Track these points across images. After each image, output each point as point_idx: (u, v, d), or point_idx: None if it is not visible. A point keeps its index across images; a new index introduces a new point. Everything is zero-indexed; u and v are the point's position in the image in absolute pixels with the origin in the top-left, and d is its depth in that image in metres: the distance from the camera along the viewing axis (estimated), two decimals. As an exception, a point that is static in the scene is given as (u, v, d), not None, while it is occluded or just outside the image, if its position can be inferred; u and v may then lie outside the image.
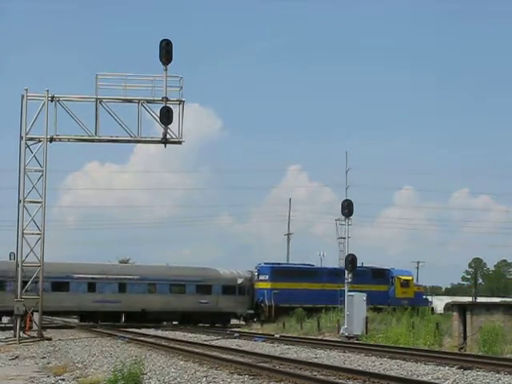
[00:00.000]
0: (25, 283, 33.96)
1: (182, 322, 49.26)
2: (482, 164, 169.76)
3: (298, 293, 50.70)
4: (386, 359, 21.99)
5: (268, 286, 50.77)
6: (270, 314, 49.72)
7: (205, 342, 29.97)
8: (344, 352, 25.13)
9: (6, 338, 32.63)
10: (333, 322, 41.78)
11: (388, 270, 55.94)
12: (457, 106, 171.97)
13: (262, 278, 51.62)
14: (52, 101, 34.17)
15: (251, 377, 16.88)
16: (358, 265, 56.35)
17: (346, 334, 34.68)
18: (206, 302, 50.15)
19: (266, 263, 53.13)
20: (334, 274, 52.24)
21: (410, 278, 57.07)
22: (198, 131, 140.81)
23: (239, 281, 51.82)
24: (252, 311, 51.69)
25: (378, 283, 53.98)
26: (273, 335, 35.82)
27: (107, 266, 52.43)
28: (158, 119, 33.74)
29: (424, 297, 57.89)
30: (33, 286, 34.79)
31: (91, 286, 47.26)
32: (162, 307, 48.43)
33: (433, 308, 57.02)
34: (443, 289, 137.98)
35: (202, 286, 50.64)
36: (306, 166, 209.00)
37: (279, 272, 51.95)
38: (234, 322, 53.26)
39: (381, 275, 55.16)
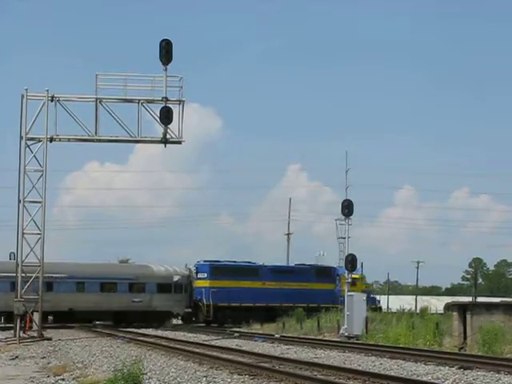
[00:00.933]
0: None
1: (116, 321, 47.82)
2: (482, 164, 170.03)
3: (237, 291, 49.38)
4: (385, 359, 21.98)
5: (207, 284, 49.17)
6: (208, 312, 48.49)
7: (205, 342, 29.96)
8: (344, 352, 25.12)
9: (6, 338, 32.65)
10: (333, 321, 41.75)
11: (334, 268, 53.84)
12: (457, 106, 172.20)
13: (200, 275, 50.03)
14: (52, 101, 34.18)
15: (251, 377, 16.89)
16: (302, 263, 55.26)
17: (346, 333, 34.66)
18: (139, 301, 48.07)
19: (205, 261, 51.24)
20: (277, 272, 51.96)
21: (358, 276, 54.11)
22: (198, 131, 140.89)
23: (175, 278, 49.64)
24: (190, 310, 50.12)
25: (324, 282, 52.88)
26: (273, 335, 35.83)
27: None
28: (158, 119, 33.75)
29: (372, 296, 56.05)
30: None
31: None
32: (91, 307, 46.34)
33: (380, 307, 56.17)
34: (443, 289, 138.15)
35: (134, 284, 48.73)
36: (306, 165, 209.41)
37: (218, 270, 50.24)
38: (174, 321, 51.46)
39: (326, 274, 53.70)
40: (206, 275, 49.58)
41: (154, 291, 48.97)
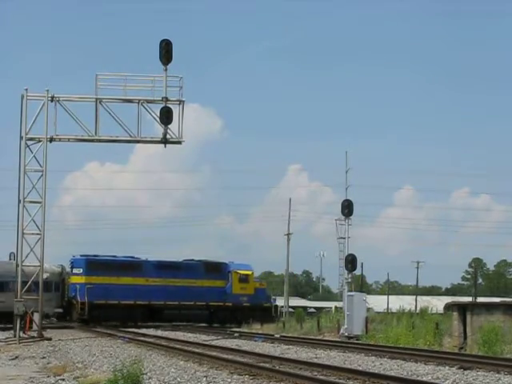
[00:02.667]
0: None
1: None
2: (482, 164, 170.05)
3: (116, 288, 46.44)
4: (386, 359, 21.98)
5: (82, 280, 45.72)
6: (82, 311, 45.30)
7: (205, 342, 29.96)
8: (344, 352, 25.12)
9: (6, 338, 32.64)
10: (333, 321, 41.75)
11: (225, 263, 51.87)
12: (457, 106, 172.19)
13: (75, 271, 46.50)
14: (52, 101, 34.18)
15: (251, 377, 16.88)
16: (190, 258, 52.31)
17: (346, 333, 34.68)
18: (1, 301, 42.98)
19: (81, 255, 47.74)
20: (162, 268, 49.00)
21: (250, 272, 52.11)
22: (198, 131, 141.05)
23: (44, 276, 45.75)
24: (61, 310, 46.63)
25: (213, 278, 50.20)
26: (273, 335, 35.83)
27: None
28: (158, 119, 33.76)
29: (268, 294, 54.38)
30: None
31: None
32: None
33: (276, 306, 54.09)
34: (443, 289, 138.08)
35: None
36: (306, 165, 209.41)
37: (95, 265, 46.83)
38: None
39: (216, 270, 51.01)
40: (81, 271, 46.22)
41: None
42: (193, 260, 51.69)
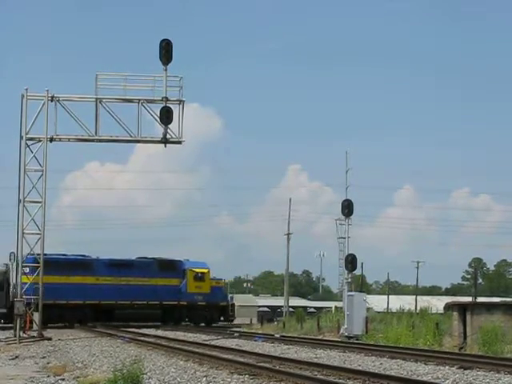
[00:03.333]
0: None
1: None
2: (482, 164, 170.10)
3: (65, 287, 44.74)
4: (385, 359, 21.97)
5: (30, 279, 43.14)
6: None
7: (205, 342, 29.96)
8: (344, 352, 25.10)
9: (6, 338, 32.64)
10: (333, 321, 41.76)
11: (180, 261, 50.77)
12: (457, 106, 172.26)
13: (24, 270, 43.22)
14: (52, 101, 34.19)
15: (251, 377, 16.87)
16: (143, 256, 50.81)
17: (346, 333, 34.67)
18: None
19: (30, 254, 45.46)
20: (114, 266, 47.60)
21: (206, 270, 50.90)
22: (198, 131, 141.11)
23: None
24: (4, 311, 43.80)
25: (168, 276, 49.11)
26: (273, 335, 35.82)
27: None
28: (158, 119, 33.77)
29: (224, 293, 53.08)
30: None
31: None
32: None
33: (233, 304, 52.77)
34: (443, 289, 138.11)
35: None
36: (305, 165, 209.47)
37: (44, 264, 44.83)
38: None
39: (170, 267, 49.89)
40: (28, 270, 43.66)
41: None
42: (146, 258, 50.53)
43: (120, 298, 46.82)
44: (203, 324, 49.61)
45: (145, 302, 47.29)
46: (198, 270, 50.25)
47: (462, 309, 28.61)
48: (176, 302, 48.65)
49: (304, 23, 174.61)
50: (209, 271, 51.13)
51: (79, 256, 48.64)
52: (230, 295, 55.49)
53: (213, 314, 50.24)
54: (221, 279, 54.19)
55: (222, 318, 51.79)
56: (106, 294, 45.23)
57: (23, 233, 33.85)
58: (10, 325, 36.71)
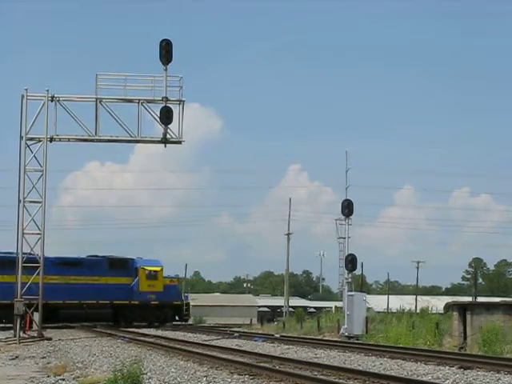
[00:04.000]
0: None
1: None
2: (482, 164, 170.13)
3: (8, 287, 39.99)
4: (386, 359, 21.98)
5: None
6: None
7: (205, 342, 29.96)
8: (344, 352, 25.11)
9: (6, 338, 32.65)
10: (333, 321, 41.75)
11: (132, 259, 49.08)
12: (457, 106, 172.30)
13: None
14: (52, 101, 34.18)
15: (251, 377, 16.88)
16: (93, 254, 48.36)
17: (346, 333, 34.68)
18: None
19: None
20: (61, 265, 45.41)
21: (159, 268, 49.36)
22: (198, 131, 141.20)
23: None
24: None
25: (118, 275, 47.41)
26: (273, 335, 35.83)
27: None
28: (158, 119, 33.76)
29: (179, 291, 51.78)
30: None
31: None
32: None
33: (188, 303, 51.32)
34: (443, 289, 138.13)
35: None
36: (305, 165, 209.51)
37: None
38: None
39: (121, 266, 48.08)
40: None
41: None
42: (96, 256, 48.55)
43: (68, 297, 45.15)
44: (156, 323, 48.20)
45: (94, 302, 45.80)
46: (150, 269, 48.82)
47: (462, 309, 28.62)
48: (127, 302, 47.31)
49: (304, 23, 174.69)
50: (162, 269, 49.70)
51: (25, 254, 47.09)
52: (186, 294, 53.92)
53: (166, 314, 48.93)
54: (175, 277, 53.24)
55: (176, 318, 50.41)
56: (52, 294, 42.31)
57: (23, 233, 33.84)
58: (10, 325, 36.64)
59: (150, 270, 48.60)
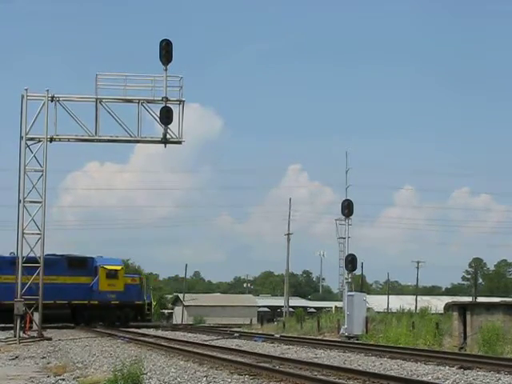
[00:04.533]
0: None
1: None
2: (482, 164, 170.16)
3: None
4: (386, 359, 21.98)
5: None
6: None
7: (205, 342, 29.96)
8: (344, 352, 25.11)
9: (6, 338, 32.66)
10: (333, 321, 41.72)
11: (91, 258, 47.54)
12: (457, 106, 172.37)
13: None
14: (52, 101, 34.18)
15: (251, 377, 16.87)
16: (55, 253, 46.23)
17: (346, 333, 34.67)
18: None
19: None
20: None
21: (119, 267, 48.14)
22: (198, 131, 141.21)
23: None
24: None
25: (77, 274, 45.93)
26: (273, 335, 35.82)
27: None
28: (158, 119, 33.76)
29: (141, 291, 49.70)
30: None
31: None
32: None
33: (150, 303, 50.24)
34: (443, 289, 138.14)
35: None
36: (305, 165, 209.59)
37: None
38: None
39: (80, 265, 46.57)
40: None
41: None
42: (55, 255, 46.66)
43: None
44: (118, 323, 47.03)
45: (52, 302, 43.12)
46: (110, 268, 47.43)
47: (462, 309, 28.62)
48: (87, 302, 46.13)
49: (304, 22, 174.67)
50: (123, 268, 48.75)
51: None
52: (148, 294, 52.10)
53: (128, 314, 47.87)
54: (137, 276, 52.53)
55: (139, 318, 49.09)
56: (7, 294, 40.36)
57: (23, 233, 33.85)
58: (10, 325, 36.61)
59: (110, 269, 47.37)
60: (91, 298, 46.53)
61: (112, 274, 47.37)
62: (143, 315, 48.95)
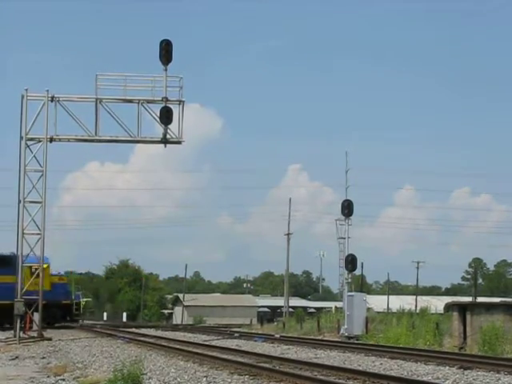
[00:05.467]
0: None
1: None
2: (482, 164, 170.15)
3: None
4: (386, 359, 21.97)
5: None
6: None
7: (205, 342, 29.96)
8: (344, 352, 25.10)
9: (6, 338, 32.66)
10: (333, 321, 41.73)
11: (15, 256, 43.08)
12: (457, 106, 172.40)
13: None
14: (52, 101, 34.18)
15: (251, 377, 16.86)
16: None
17: (346, 333, 34.68)
18: None
19: None
20: None
21: (45, 265, 43.85)
22: (198, 131, 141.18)
23: None
24: None
25: (2, 274, 43.15)
26: (273, 335, 35.82)
27: None
28: (158, 119, 33.76)
29: (69, 290, 48.39)
30: None
31: None
32: None
33: (79, 303, 48.21)
34: (443, 289, 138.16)
35: None
36: (305, 165, 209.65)
37: None
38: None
39: (3, 263, 43.55)
40: None
41: None
42: None
43: None
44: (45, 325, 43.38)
45: None
46: (36, 266, 42.69)
47: (462, 309, 28.60)
48: (10, 302, 41.05)
49: (304, 22, 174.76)
50: (48, 266, 45.05)
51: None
52: (78, 292, 50.55)
53: (55, 314, 45.97)
54: (64, 275, 50.73)
55: (68, 318, 47.73)
56: None
57: (23, 233, 33.85)
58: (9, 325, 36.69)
59: (36, 268, 42.74)
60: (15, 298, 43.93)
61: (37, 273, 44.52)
62: (71, 315, 47.54)
